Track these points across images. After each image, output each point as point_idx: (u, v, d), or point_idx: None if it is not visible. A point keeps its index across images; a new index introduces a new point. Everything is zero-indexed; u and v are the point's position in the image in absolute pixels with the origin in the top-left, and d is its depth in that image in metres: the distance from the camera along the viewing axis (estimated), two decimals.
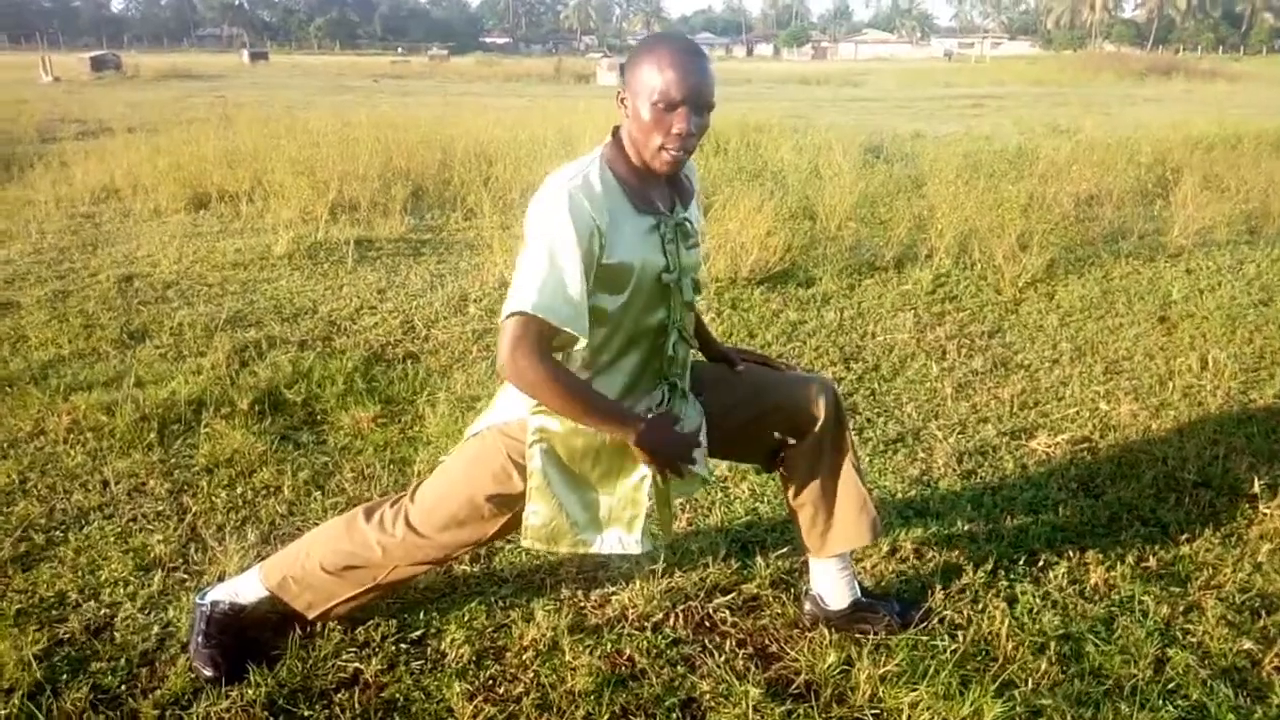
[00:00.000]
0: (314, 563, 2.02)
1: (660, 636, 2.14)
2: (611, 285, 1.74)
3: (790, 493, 2.11)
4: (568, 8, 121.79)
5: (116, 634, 2.12)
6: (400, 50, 70.86)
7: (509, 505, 1.90)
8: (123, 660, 2.03)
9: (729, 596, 2.27)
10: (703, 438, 1.97)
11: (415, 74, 33.72)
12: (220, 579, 2.23)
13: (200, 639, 2.00)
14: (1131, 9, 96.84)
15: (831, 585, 2.13)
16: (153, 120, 12.75)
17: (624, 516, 1.86)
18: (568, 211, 1.63)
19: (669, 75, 1.63)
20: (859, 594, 2.15)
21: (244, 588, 2.08)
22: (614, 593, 2.30)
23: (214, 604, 2.05)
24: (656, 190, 1.81)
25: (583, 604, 2.27)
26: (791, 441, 2.07)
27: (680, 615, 2.22)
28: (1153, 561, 2.44)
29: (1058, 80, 30.60)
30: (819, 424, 2.02)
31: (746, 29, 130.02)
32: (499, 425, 1.88)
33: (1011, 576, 2.36)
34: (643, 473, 1.83)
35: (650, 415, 1.81)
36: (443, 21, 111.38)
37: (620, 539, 1.86)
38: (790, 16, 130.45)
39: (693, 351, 2.02)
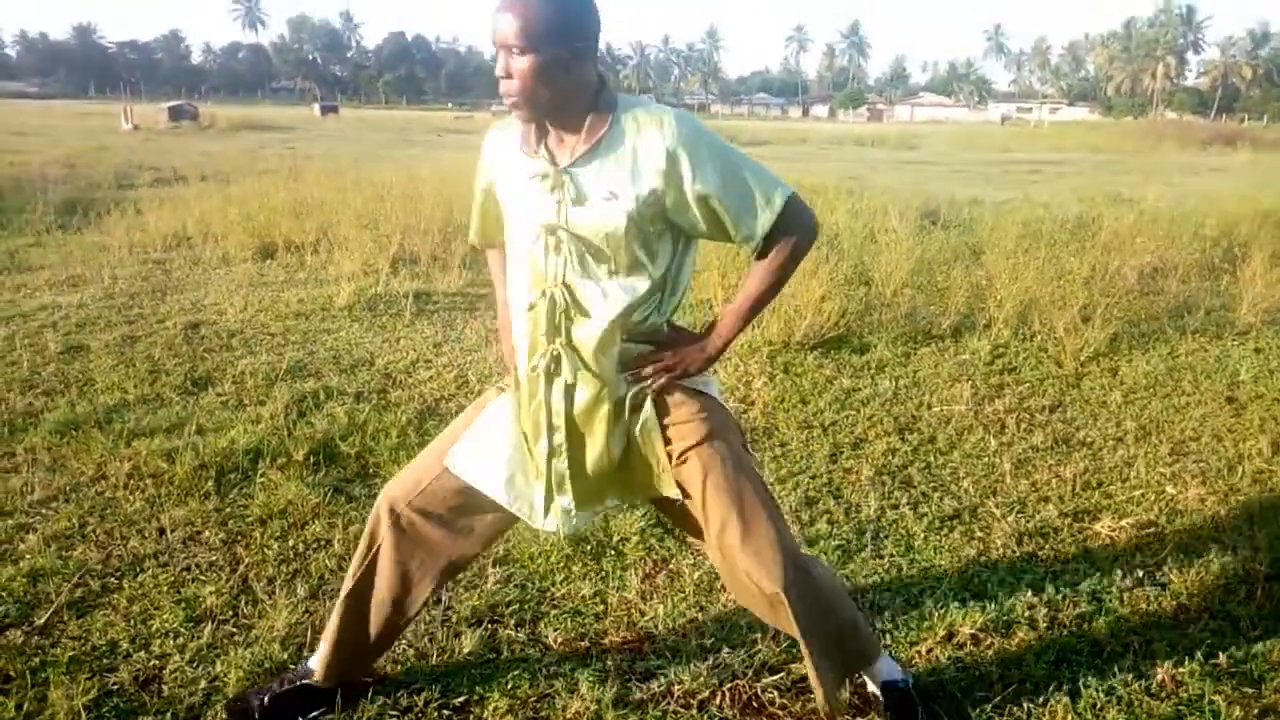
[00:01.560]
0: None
1: (706, 716, 2.10)
2: (504, 219, 1.85)
3: None
4: (627, 68, 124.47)
5: (165, 687, 2.13)
6: (464, 105, 72.80)
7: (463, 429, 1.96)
8: (169, 715, 2.04)
9: (778, 676, 2.21)
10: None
11: (478, 129, 34.58)
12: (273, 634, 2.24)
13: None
14: (1195, 76, 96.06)
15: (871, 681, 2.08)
16: (225, 170, 13.22)
17: (527, 482, 1.89)
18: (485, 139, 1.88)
19: (494, 24, 1.63)
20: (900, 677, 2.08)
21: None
22: (660, 667, 2.26)
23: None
24: (559, 140, 1.73)
25: (628, 677, 2.23)
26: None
27: (727, 694, 2.17)
28: (1223, 659, 2.33)
29: (1118, 148, 30.31)
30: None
31: (803, 90, 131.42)
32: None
33: (1074, 668, 2.27)
34: (544, 443, 1.84)
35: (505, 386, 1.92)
36: None
37: (524, 504, 1.89)
38: (847, 79, 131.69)
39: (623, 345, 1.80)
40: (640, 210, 1.68)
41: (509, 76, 1.62)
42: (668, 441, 1.82)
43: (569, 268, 1.73)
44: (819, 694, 1.90)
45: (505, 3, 1.60)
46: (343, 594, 2.00)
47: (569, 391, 1.79)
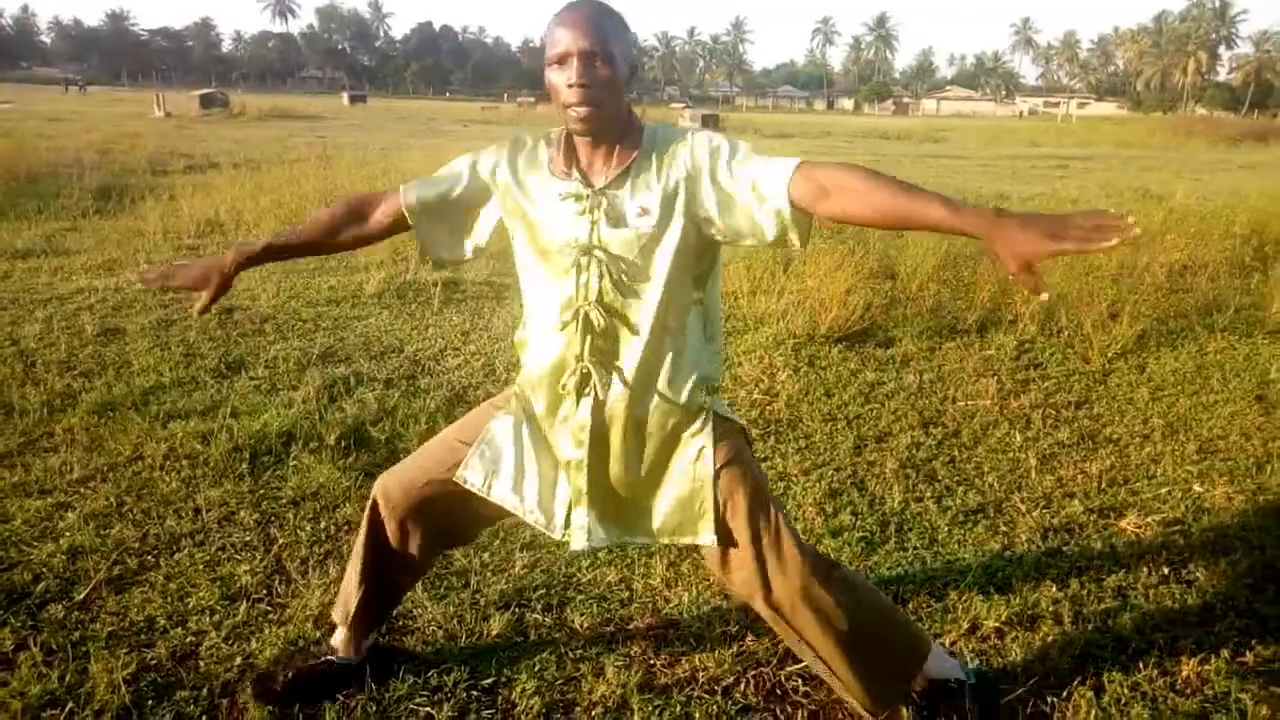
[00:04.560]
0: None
1: (730, 702, 2.12)
2: (516, 237, 1.83)
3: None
4: (653, 59, 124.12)
5: (201, 662, 2.19)
6: (491, 96, 72.96)
7: (476, 429, 1.95)
8: (205, 690, 2.09)
9: (801, 665, 2.23)
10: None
11: (504, 119, 34.68)
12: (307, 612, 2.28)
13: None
14: (1227, 72, 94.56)
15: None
16: (256, 157, 13.35)
17: (550, 494, 1.90)
18: (492, 146, 1.85)
19: (558, 33, 1.64)
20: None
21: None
22: (684, 652, 2.29)
23: None
24: (591, 163, 1.75)
25: (653, 662, 2.26)
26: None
27: (751, 681, 2.19)
28: (1249, 657, 2.33)
29: (1147, 143, 29.94)
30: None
31: (828, 84, 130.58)
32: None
33: (1099, 664, 2.27)
34: (567, 458, 1.86)
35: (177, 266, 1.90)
36: (531, 70, 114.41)
37: (540, 514, 1.90)
38: (873, 72, 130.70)
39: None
40: (672, 222, 1.71)
41: (585, 85, 1.62)
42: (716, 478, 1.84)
43: (605, 288, 1.73)
44: (856, 696, 1.92)
45: (582, 12, 1.64)
46: (355, 579, 2.04)
47: (598, 409, 1.81)
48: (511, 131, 1.96)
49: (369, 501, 2.01)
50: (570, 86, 1.63)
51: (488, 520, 2.09)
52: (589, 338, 1.76)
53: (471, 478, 1.91)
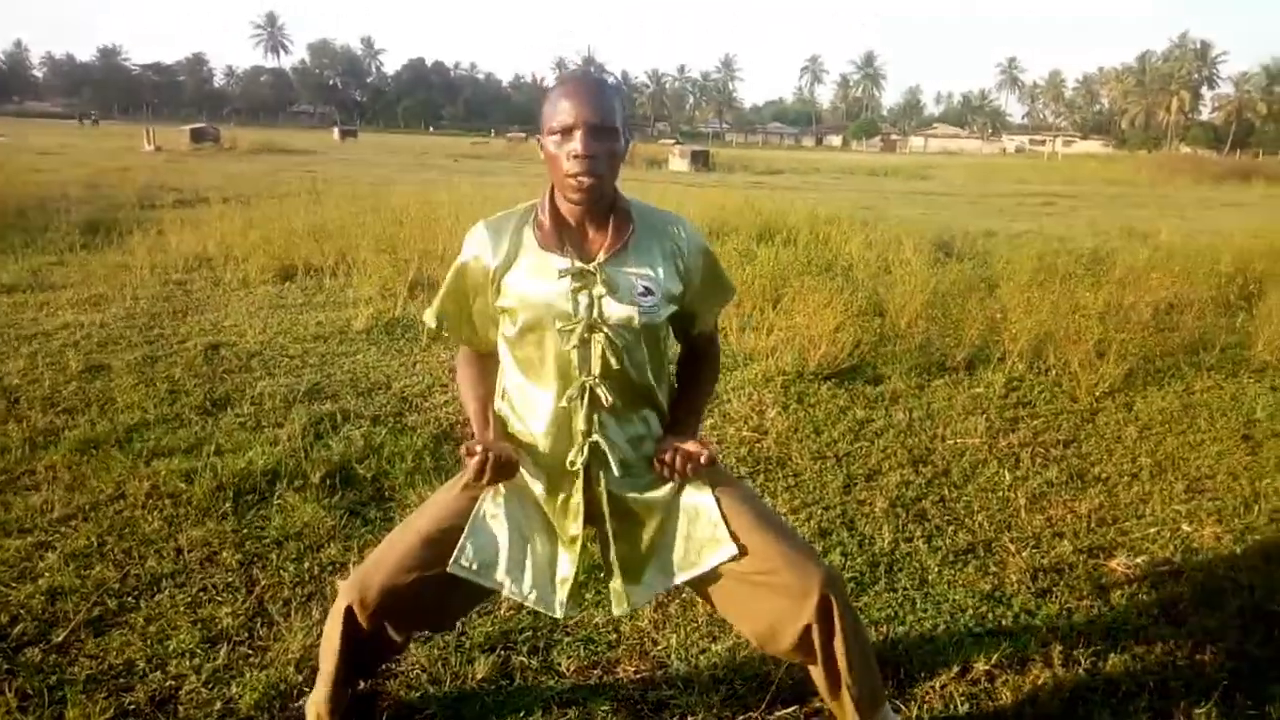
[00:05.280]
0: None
1: None
2: (511, 316, 1.80)
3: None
4: (643, 96, 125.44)
5: (180, 707, 2.15)
6: (481, 131, 73.56)
7: (454, 529, 1.86)
8: None
9: (790, 709, 2.21)
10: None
11: (493, 154, 34.88)
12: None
13: None
14: (1209, 111, 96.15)
15: None
16: (246, 192, 13.38)
17: (546, 573, 1.87)
18: (469, 236, 1.83)
19: (562, 104, 1.65)
20: None
21: None
22: (672, 696, 2.26)
23: None
24: (583, 236, 1.76)
25: (639, 706, 2.23)
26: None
27: None
28: (1239, 699, 2.31)
29: (1132, 181, 30.32)
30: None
31: (817, 120, 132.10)
32: None
33: (1089, 707, 2.26)
34: (572, 534, 1.85)
35: (493, 444, 1.76)
36: (522, 106, 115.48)
37: (538, 595, 1.86)
38: (861, 109, 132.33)
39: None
40: (667, 304, 1.79)
41: (591, 157, 1.64)
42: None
43: (610, 360, 1.74)
44: (851, 710, 1.89)
45: (587, 84, 1.68)
46: (328, 688, 1.94)
47: (612, 479, 1.82)
48: (498, 199, 1.98)
49: (339, 610, 1.87)
50: (575, 158, 1.64)
51: (476, 603, 2.09)
52: (596, 413, 1.78)
53: (467, 566, 1.84)
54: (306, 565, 2.81)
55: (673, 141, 55.58)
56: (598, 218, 1.76)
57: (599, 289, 1.73)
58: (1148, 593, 2.84)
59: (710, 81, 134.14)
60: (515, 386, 1.85)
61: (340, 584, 1.93)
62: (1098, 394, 4.83)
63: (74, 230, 8.75)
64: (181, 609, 2.54)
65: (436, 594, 1.86)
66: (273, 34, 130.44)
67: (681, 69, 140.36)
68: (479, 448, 1.71)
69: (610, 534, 1.84)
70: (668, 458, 1.82)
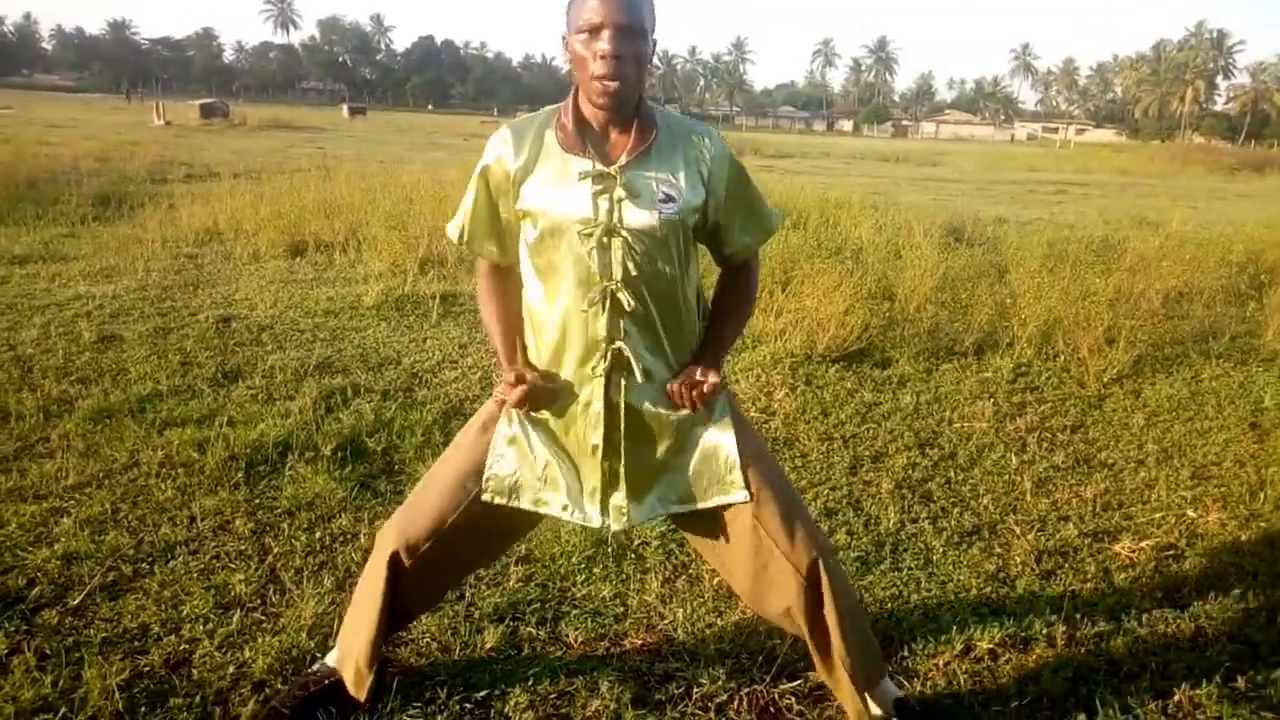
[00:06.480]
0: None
1: (724, 719, 2.12)
2: (531, 219, 1.76)
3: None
4: (654, 78, 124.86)
5: (194, 670, 2.18)
6: (490, 110, 73.28)
7: (484, 464, 1.89)
8: (198, 698, 2.08)
9: (795, 683, 2.23)
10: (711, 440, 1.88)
11: None
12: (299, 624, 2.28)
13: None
14: (1224, 101, 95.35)
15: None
16: (256, 168, 13.39)
17: (576, 487, 1.88)
18: (492, 139, 1.80)
19: (590, 2, 1.62)
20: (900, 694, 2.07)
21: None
22: (678, 669, 2.29)
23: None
24: (605, 139, 1.74)
25: (646, 677, 2.26)
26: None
27: (745, 699, 2.19)
28: (1241, 682, 2.33)
29: (1144, 170, 30.14)
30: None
31: (828, 105, 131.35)
32: None
33: (1091, 687, 2.28)
34: (593, 443, 1.84)
35: (527, 373, 1.79)
36: (532, 86, 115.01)
37: (573, 508, 1.88)
38: (872, 94, 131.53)
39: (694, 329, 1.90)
40: (689, 212, 1.76)
41: (619, 57, 1.61)
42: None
43: (630, 266, 1.72)
44: (846, 684, 1.92)
45: None
46: (368, 636, 1.95)
47: (630, 389, 1.81)
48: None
49: (382, 558, 1.90)
50: (602, 58, 1.62)
51: (517, 535, 2.10)
52: (618, 319, 1.75)
53: (499, 490, 1.88)
54: (318, 535, 2.84)
55: None
56: (622, 121, 1.73)
57: (619, 192, 1.70)
58: (1151, 576, 2.86)
59: (721, 64, 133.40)
60: (536, 298, 1.82)
61: (378, 535, 1.97)
62: (1106, 380, 4.83)
63: (85, 203, 8.79)
64: (195, 575, 2.58)
65: (476, 532, 1.91)
66: (283, 10, 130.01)
67: (692, 50, 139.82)
68: (515, 377, 1.76)
69: (622, 447, 1.84)
70: (677, 385, 1.82)
